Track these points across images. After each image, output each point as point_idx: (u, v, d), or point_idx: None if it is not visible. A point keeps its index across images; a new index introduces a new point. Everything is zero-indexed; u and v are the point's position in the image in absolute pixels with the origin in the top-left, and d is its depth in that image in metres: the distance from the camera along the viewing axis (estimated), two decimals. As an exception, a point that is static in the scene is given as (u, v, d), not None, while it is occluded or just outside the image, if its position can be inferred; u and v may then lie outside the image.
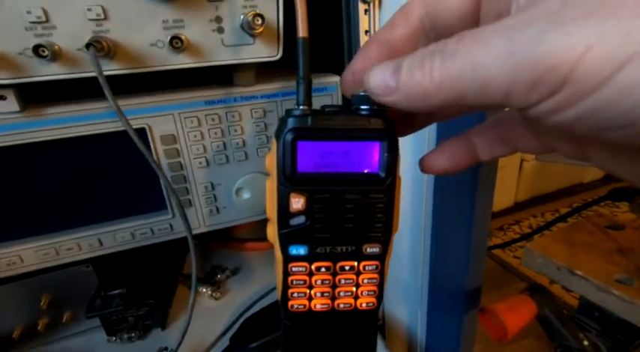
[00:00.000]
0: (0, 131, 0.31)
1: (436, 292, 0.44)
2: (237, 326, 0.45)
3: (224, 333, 0.46)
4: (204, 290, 0.53)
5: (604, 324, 0.39)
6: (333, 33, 0.42)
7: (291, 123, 0.18)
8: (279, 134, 0.19)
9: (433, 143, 0.36)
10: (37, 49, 0.27)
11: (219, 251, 0.64)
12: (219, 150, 0.39)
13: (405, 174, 0.40)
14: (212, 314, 0.50)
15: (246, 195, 0.41)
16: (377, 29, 0.39)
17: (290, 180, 0.19)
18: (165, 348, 0.42)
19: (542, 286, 0.41)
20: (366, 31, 0.38)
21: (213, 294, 0.53)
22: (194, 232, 0.39)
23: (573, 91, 0.11)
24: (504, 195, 2.07)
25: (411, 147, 0.39)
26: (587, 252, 0.39)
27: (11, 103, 0.30)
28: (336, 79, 0.41)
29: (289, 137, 0.18)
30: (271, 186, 0.20)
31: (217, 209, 0.41)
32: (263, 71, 0.39)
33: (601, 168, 0.18)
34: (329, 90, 0.41)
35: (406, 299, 0.50)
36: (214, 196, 0.40)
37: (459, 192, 0.37)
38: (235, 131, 0.38)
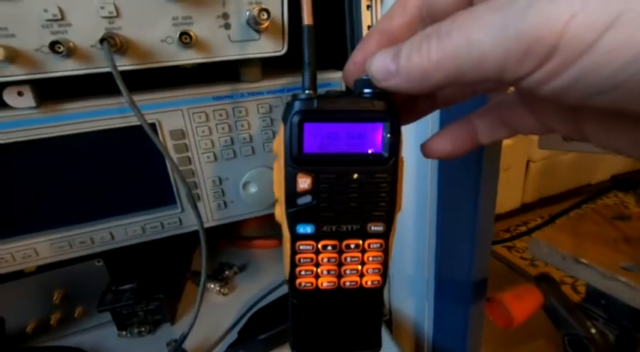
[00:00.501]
0: (17, 126, 0.32)
1: (442, 284, 0.44)
2: (245, 320, 0.46)
3: (232, 327, 0.46)
4: (212, 286, 0.54)
5: (611, 312, 0.39)
6: (335, 29, 0.43)
7: (297, 105, 0.19)
8: (286, 117, 0.20)
9: (437, 130, 0.36)
10: (53, 46, 0.28)
11: (226, 249, 0.65)
12: (226, 145, 0.39)
13: (409, 163, 0.41)
14: (220, 309, 0.50)
15: (253, 189, 0.41)
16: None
17: (297, 160, 0.20)
18: (175, 341, 0.43)
19: (549, 276, 0.41)
20: (369, 26, 0.39)
21: (221, 290, 0.53)
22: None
23: (561, 60, 0.12)
24: (510, 196, 2.06)
25: (413, 136, 0.39)
26: (593, 241, 0.39)
27: (28, 99, 0.31)
28: (339, 74, 0.42)
29: (296, 119, 0.19)
30: (279, 167, 0.21)
31: (225, 203, 0.42)
32: (269, 68, 0.40)
33: (599, 146, 0.18)
34: (332, 85, 0.42)
35: (412, 293, 0.50)
36: (222, 190, 0.41)
37: (463, 183, 0.37)
38: (242, 126, 0.39)
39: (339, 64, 0.43)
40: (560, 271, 0.38)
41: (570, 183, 2.15)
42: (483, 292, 0.42)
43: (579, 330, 0.37)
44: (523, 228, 2.02)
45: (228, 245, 0.65)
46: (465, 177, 0.38)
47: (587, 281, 0.37)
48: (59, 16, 0.28)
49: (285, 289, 0.51)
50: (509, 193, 2.04)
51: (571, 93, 0.13)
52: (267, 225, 0.68)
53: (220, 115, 0.38)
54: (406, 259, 0.50)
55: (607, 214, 0.45)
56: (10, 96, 0.31)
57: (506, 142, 1.92)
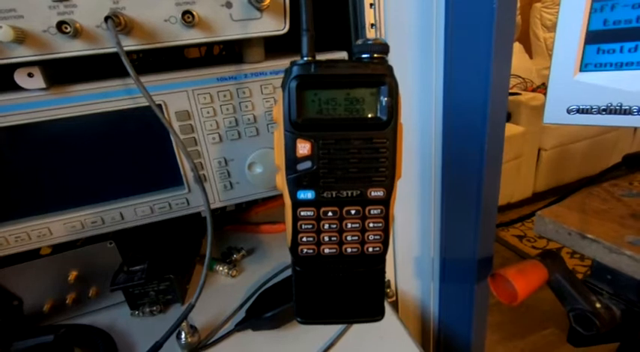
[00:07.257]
0: (28, 108, 0.33)
1: (447, 264, 0.44)
2: (253, 299, 0.47)
3: (241, 306, 0.47)
4: (220, 268, 0.55)
5: (616, 287, 0.38)
6: (338, 10, 0.43)
7: (295, 71, 0.19)
8: (284, 83, 0.20)
9: (441, 99, 0.35)
10: (60, 26, 0.29)
11: (234, 234, 0.66)
12: (231, 126, 0.40)
13: (412, 141, 0.41)
14: (228, 291, 0.51)
15: (258, 169, 0.42)
16: (382, 4, 0.40)
17: (296, 125, 0.20)
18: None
19: (553, 251, 0.40)
20: (371, 5, 0.39)
21: (230, 272, 0.54)
22: (209, 206, 0.40)
23: None
24: (521, 185, 2.03)
25: (417, 106, 0.39)
26: (600, 218, 0.38)
27: (38, 80, 0.32)
28: (343, 54, 0.42)
29: (294, 84, 0.19)
30: (279, 135, 0.21)
31: (231, 184, 0.42)
32: (272, 50, 0.41)
33: None
34: (336, 65, 0.42)
35: (418, 275, 0.50)
36: (228, 171, 0.42)
37: (467, 159, 0.37)
38: (246, 107, 0.40)
39: (342, 45, 0.43)
40: (566, 247, 0.38)
41: (583, 171, 2.11)
42: (488, 270, 0.42)
43: (584, 305, 0.37)
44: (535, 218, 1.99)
45: (235, 230, 0.66)
46: (468, 152, 0.37)
47: (593, 256, 0.36)
48: (65, -3, 0.29)
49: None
50: (520, 182, 2.01)
51: None
52: (274, 212, 0.69)
53: (224, 96, 0.39)
54: (411, 240, 0.50)
55: (615, 192, 0.44)
56: (20, 78, 0.32)
57: (516, 129, 1.89)
